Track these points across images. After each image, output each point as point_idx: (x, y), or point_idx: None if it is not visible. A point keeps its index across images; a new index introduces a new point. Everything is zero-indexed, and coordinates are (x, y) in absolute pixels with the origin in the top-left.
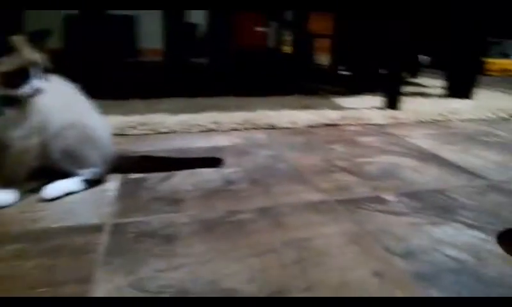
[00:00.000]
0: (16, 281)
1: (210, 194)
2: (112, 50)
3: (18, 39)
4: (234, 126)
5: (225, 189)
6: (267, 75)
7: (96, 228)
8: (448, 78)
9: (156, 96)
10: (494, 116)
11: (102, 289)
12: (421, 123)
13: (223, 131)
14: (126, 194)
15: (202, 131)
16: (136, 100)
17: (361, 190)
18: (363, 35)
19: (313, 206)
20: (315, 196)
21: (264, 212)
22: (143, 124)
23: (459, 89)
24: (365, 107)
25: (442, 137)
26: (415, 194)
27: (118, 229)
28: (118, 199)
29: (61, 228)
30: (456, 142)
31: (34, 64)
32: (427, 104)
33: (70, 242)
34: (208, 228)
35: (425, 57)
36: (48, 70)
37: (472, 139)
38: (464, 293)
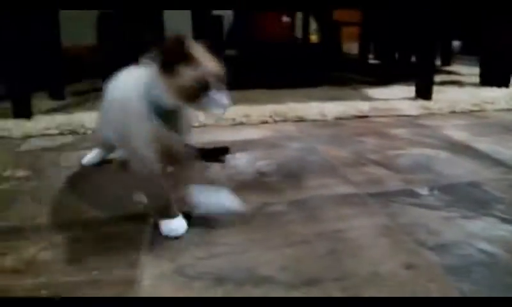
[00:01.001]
0: (73, 264)
1: (243, 186)
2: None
3: (195, 46)
4: (263, 119)
5: (258, 182)
6: (295, 66)
7: (142, 218)
8: (482, 65)
9: None
10: None
11: (148, 273)
12: (454, 114)
13: (253, 124)
14: None
15: (232, 124)
16: None
17: (394, 183)
18: (393, 21)
19: (346, 199)
20: (347, 189)
21: (296, 204)
22: None
23: (495, 76)
24: (396, 98)
25: (476, 128)
26: (447, 187)
27: None
28: None
29: (111, 218)
30: (491, 133)
31: (215, 76)
32: (460, 93)
33: (120, 230)
34: (243, 219)
35: (456, 42)
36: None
37: (508, 130)
38: (497, 288)
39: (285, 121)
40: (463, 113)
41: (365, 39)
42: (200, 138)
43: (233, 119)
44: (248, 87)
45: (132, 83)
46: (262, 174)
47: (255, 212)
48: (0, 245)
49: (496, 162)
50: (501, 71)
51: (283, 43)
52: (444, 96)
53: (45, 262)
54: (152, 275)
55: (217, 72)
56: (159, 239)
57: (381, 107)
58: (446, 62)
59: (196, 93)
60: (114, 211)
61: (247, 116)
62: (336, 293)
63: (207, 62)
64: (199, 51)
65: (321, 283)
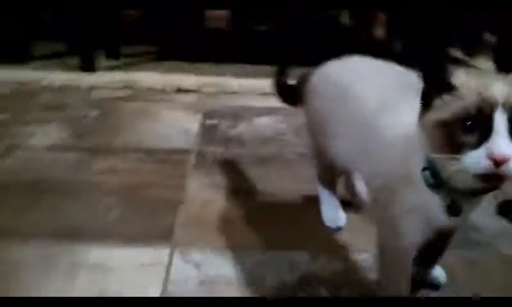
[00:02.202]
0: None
1: (264, 140)
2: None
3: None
4: None
5: (277, 138)
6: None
7: (186, 151)
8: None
9: (224, 61)
10: None
11: (192, 184)
12: None
13: None
14: (205, 133)
15: (263, 93)
16: (208, 63)
17: None
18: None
19: None
20: None
21: (302, 155)
22: (213, 85)
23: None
24: None
25: None
26: None
27: (200, 154)
28: (200, 136)
29: (163, 149)
30: None
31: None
32: None
33: (170, 157)
34: (261, 159)
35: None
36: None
37: None
38: None
39: None
40: None
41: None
42: (234, 102)
43: (264, 90)
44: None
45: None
46: (279, 133)
47: (271, 157)
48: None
49: None
50: None
51: (317, 21)
52: None
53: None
54: (195, 185)
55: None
56: (199, 164)
57: None
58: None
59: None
60: (166, 143)
61: None
62: None
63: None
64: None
65: None
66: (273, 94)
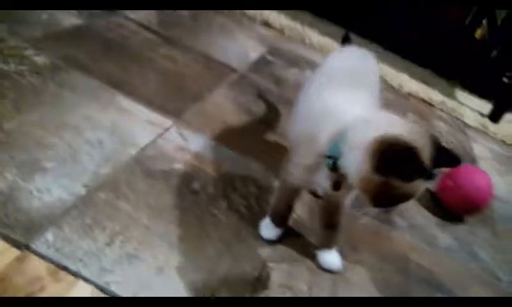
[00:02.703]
0: (184, 66)
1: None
2: None
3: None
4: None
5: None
6: None
7: (234, 70)
8: None
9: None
10: None
11: (219, 91)
12: (500, 142)
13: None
14: (260, 63)
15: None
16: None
17: None
18: None
19: None
20: None
21: None
22: (297, 30)
23: None
24: (471, 107)
25: (503, 158)
26: None
27: (243, 77)
28: (253, 64)
29: (218, 60)
30: (506, 164)
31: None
32: None
33: (218, 68)
34: (285, 100)
35: None
36: None
37: None
38: None
39: None
40: (510, 146)
41: None
42: (301, 52)
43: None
44: None
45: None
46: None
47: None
48: (161, 43)
49: None
50: None
51: None
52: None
53: (175, 59)
54: (217, 95)
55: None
56: (235, 82)
57: (448, 104)
58: None
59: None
60: (224, 57)
61: None
62: None
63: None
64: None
65: None
66: None
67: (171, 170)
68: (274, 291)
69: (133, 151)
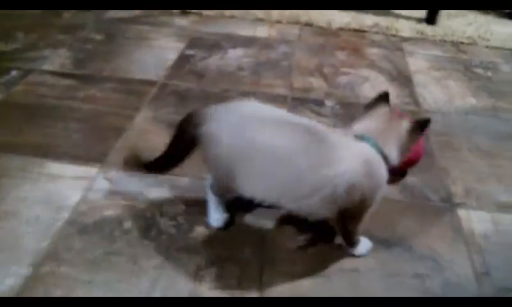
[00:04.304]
0: (103, 102)
1: (223, 75)
2: None
3: None
4: (280, 18)
5: (235, 74)
6: None
7: (154, 83)
8: None
9: None
10: None
11: (141, 115)
12: (441, 43)
13: (270, 22)
14: (179, 64)
15: (254, 19)
16: None
17: (318, 93)
18: None
19: (274, 98)
20: (282, 91)
21: (242, 94)
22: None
23: None
24: (408, 16)
25: (440, 61)
26: (348, 104)
27: (162, 87)
28: (172, 67)
29: (136, 79)
30: (446, 68)
31: None
32: (471, 23)
33: (138, 88)
34: (207, 96)
35: None
36: None
37: (466, 69)
38: None
39: (296, 23)
40: (449, 44)
41: None
42: (222, 29)
43: (255, 15)
44: None
45: None
46: (240, 68)
47: (217, 95)
48: (78, 85)
49: (411, 95)
50: None
51: None
52: (452, 23)
53: (93, 98)
54: (141, 118)
55: None
56: (157, 97)
57: (383, 24)
58: None
59: None
60: (142, 73)
61: (267, 13)
62: None
63: None
64: None
65: None
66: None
67: (103, 219)
68: (210, 293)
69: (66, 215)
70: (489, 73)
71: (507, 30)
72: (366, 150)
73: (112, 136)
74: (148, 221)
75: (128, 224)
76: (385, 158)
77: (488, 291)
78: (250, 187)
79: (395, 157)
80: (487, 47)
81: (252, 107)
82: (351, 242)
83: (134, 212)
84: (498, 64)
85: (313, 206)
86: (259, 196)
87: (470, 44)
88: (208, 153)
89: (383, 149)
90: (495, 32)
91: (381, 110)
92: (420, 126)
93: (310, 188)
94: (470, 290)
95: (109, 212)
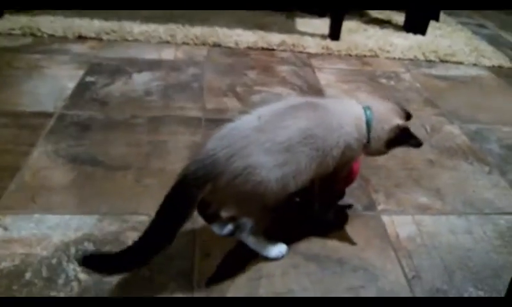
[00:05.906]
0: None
1: (129, 101)
2: None
3: None
4: (186, 40)
5: (142, 99)
6: None
7: (49, 115)
8: (408, 10)
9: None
10: (423, 58)
11: (37, 150)
12: (346, 57)
13: (176, 44)
14: (78, 92)
15: (159, 42)
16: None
17: (232, 113)
18: None
19: (187, 121)
20: (195, 113)
21: (152, 119)
22: (115, 31)
23: (415, 23)
24: (311, 33)
25: (347, 74)
26: None
27: (60, 118)
28: (71, 97)
29: (29, 112)
30: (353, 81)
31: None
32: (372, 37)
33: (31, 122)
34: (112, 124)
35: None
36: None
37: (371, 80)
38: None
39: (204, 44)
40: (356, 57)
41: None
42: (125, 53)
43: (160, 38)
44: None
45: None
46: (148, 93)
47: (124, 121)
48: None
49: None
50: (421, 18)
51: None
52: (354, 37)
53: None
54: (38, 153)
55: None
56: (54, 130)
57: (289, 42)
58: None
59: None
60: (36, 106)
61: (173, 36)
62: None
63: None
64: None
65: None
66: None
67: None
68: None
69: None
70: (392, 82)
71: (405, 42)
72: (360, 114)
73: (5, 176)
74: (52, 270)
75: (29, 275)
76: (369, 129)
77: (420, 295)
78: (300, 176)
79: (374, 135)
80: (387, 58)
81: (248, 118)
82: (329, 204)
83: (35, 260)
84: (399, 74)
85: (324, 171)
86: (304, 181)
87: (372, 56)
88: (249, 188)
89: (372, 122)
90: (394, 44)
91: (394, 105)
92: (403, 134)
93: (330, 155)
94: (404, 295)
95: (6, 264)
